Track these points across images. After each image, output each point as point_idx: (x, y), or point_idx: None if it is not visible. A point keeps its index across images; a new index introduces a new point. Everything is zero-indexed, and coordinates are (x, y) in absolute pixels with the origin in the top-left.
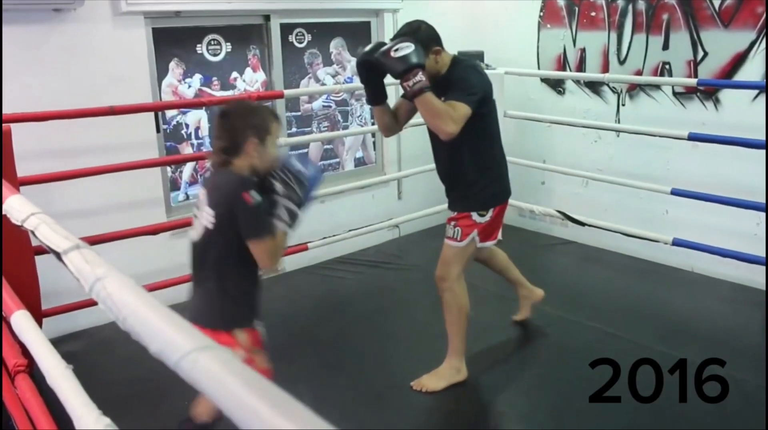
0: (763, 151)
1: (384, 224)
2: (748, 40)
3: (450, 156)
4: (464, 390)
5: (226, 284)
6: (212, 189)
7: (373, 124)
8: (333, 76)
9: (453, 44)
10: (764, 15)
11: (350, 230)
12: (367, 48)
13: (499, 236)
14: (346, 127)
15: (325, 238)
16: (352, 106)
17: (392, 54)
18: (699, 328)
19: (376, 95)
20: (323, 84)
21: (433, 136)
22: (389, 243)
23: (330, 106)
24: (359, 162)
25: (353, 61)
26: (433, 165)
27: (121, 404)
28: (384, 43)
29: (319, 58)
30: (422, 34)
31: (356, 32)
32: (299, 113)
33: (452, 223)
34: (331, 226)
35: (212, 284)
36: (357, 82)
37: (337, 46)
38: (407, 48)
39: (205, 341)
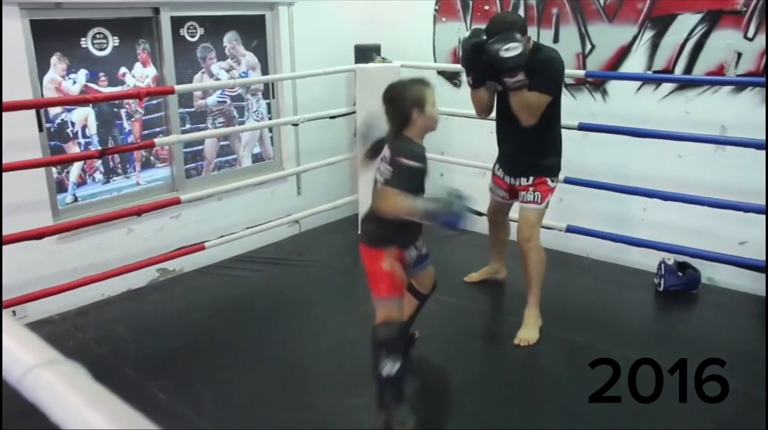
0: (644, 139)
1: (284, 221)
2: (631, 34)
3: (524, 130)
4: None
5: (385, 219)
6: (393, 151)
7: (270, 118)
8: (227, 71)
9: (349, 37)
10: (644, 10)
11: (248, 228)
12: (469, 35)
13: None
14: (242, 123)
15: (222, 236)
16: (248, 101)
17: (503, 53)
18: (595, 311)
19: (478, 79)
20: (217, 79)
21: (507, 112)
22: (289, 239)
23: (225, 102)
24: (257, 158)
25: (248, 55)
26: (332, 159)
27: None
28: (481, 31)
29: (213, 53)
30: (518, 28)
31: (251, 26)
32: (193, 109)
33: (530, 189)
34: (228, 224)
35: (379, 217)
36: (252, 77)
37: (231, 40)
38: (516, 49)
39: (49, 355)
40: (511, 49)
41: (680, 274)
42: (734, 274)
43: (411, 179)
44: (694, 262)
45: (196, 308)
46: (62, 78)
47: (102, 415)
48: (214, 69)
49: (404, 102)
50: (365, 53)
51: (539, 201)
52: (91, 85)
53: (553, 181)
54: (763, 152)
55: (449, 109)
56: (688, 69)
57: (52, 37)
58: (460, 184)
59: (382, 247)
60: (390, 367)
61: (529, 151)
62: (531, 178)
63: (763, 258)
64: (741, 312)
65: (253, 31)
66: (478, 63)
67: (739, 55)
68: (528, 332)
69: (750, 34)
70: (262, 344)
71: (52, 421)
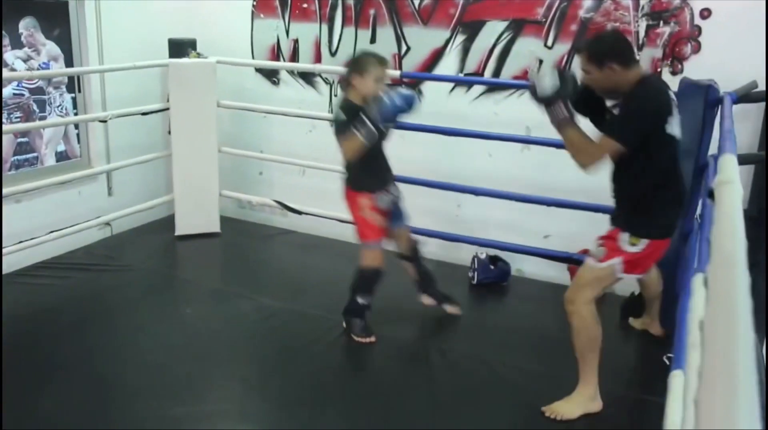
0: (458, 138)
1: (93, 223)
2: (444, 38)
3: (616, 176)
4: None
5: (349, 165)
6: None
7: (76, 114)
8: (25, 61)
9: (164, 31)
10: (456, 15)
11: (52, 231)
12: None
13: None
14: (43, 118)
15: (22, 241)
16: (50, 94)
17: (532, 80)
18: (412, 306)
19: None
20: (13, 69)
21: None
22: (100, 243)
23: (23, 94)
24: (62, 156)
25: (49, 44)
26: (145, 157)
27: None
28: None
29: (7, 39)
30: (596, 48)
31: (52, 12)
32: (1, 101)
33: (600, 241)
34: (29, 227)
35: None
36: (55, 69)
37: (27, 26)
38: (543, 78)
39: None
40: (540, 78)
41: (492, 267)
42: (540, 265)
43: (340, 129)
44: (505, 255)
45: None
46: None
47: None
48: (9, 58)
49: (349, 69)
50: (180, 48)
51: (600, 258)
52: None
53: (631, 243)
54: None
55: (267, 107)
56: (497, 73)
57: None
58: (280, 182)
59: (354, 190)
60: (362, 299)
61: (618, 200)
62: (608, 230)
63: (564, 249)
64: (547, 301)
65: (55, 19)
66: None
67: (541, 61)
68: (566, 407)
69: (549, 42)
70: (71, 358)
71: None
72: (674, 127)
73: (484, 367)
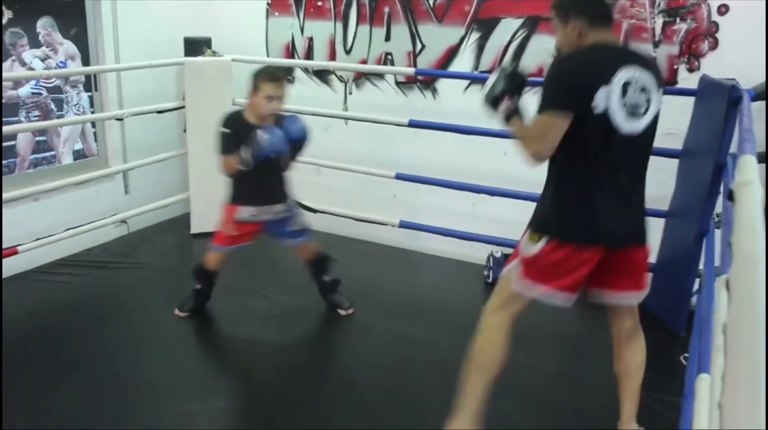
0: (473, 136)
1: (109, 221)
2: (459, 35)
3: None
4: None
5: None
6: None
7: (92, 112)
8: (42, 60)
9: (179, 29)
10: (471, 13)
11: (69, 229)
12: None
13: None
14: (61, 117)
15: (39, 238)
16: (68, 93)
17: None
18: (428, 304)
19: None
20: (31, 68)
21: None
22: (117, 241)
23: (41, 94)
24: (79, 155)
25: (66, 43)
26: (161, 155)
27: None
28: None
29: (25, 39)
30: (565, 3)
31: (69, 12)
32: (2, 101)
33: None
34: (47, 225)
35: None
36: (72, 68)
37: (45, 26)
38: (490, 79)
39: None
40: (488, 80)
41: None
42: None
43: (221, 142)
44: None
45: (10, 319)
46: None
47: None
48: (27, 57)
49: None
50: (195, 46)
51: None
52: None
53: (531, 239)
54: None
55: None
56: None
57: None
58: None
59: (226, 201)
60: (196, 284)
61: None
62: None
63: None
64: None
65: (72, 18)
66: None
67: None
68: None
69: None
70: (87, 354)
71: None
72: (611, 108)
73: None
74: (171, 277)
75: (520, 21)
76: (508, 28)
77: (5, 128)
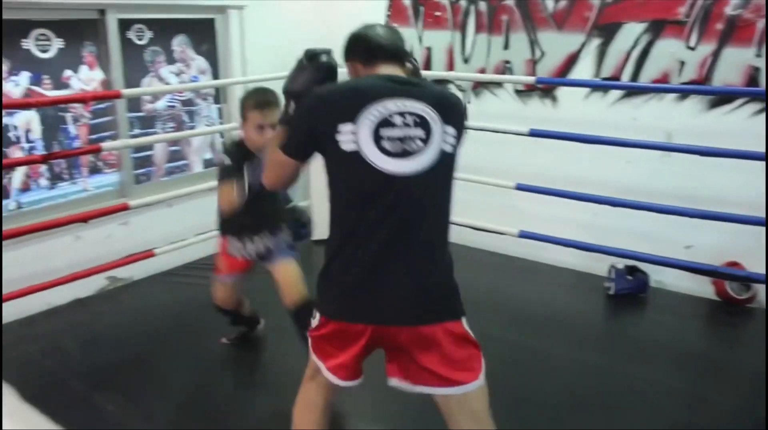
0: (594, 145)
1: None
2: (579, 42)
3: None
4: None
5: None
6: None
7: (221, 123)
8: (177, 75)
9: (301, 42)
10: (592, 18)
11: (199, 234)
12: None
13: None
14: (192, 128)
15: (173, 243)
16: (199, 105)
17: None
18: (547, 315)
19: None
20: (167, 83)
21: None
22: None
23: (175, 106)
24: (208, 163)
25: (198, 59)
26: None
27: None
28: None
29: (162, 56)
30: (345, 44)
31: (200, 29)
32: (142, 114)
33: None
34: (179, 230)
35: None
36: (202, 81)
37: (180, 43)
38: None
39: None
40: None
41: (629, 277)
42: (681, 277)
43: (222, 174)
44: (643, 266)
45: (145, 316)
46: (3, 80)
47: None
48: (164, 73)
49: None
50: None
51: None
52: (34, 88)
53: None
54: (709, 158)
55: None
56: (635, 76)
57: None
58: None
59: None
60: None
61: None
62: None
63: (709, 261)
64: (688, 314)
65: (203, 35)
66: None
67: (682, 63)
68: None
69: (692, 43)
70: (215, 352)
71: None
72: (362, 146)
73: (618, 379)
74: None
75: (643, 26)
76: (630, 33)
77: (144, 139)
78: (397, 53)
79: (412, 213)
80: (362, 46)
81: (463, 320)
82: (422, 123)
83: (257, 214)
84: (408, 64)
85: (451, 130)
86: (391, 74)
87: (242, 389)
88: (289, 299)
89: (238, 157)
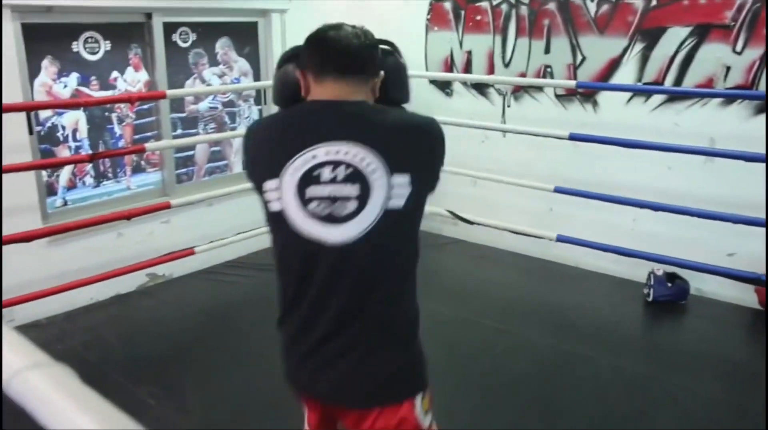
0: (634, 150)
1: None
2: (622, 46)
3: None
4: None
5: None
6: None
7: None
8: (219, 77)
9: None
10: (635, 23)
11: (239, 233)
12: None
13: None
14: (233, 129)
15: (212, 241)
16: (240, 107)
17: None
18: (584, 320)
19: None
20: (209, 85)
21: None
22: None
23: (217, 108)
24: None
25: (240, 61)
26: None
27: None
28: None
29: (205, 58)
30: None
31: (243, 32)
32: (185, 114)
33: None
34: (219, 229)
35: None
36: (244, 83)
37: (223, 46)
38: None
39: (38, 358)
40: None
41: (669, 284)
42: (723, 285)
43: None
44: (683, 273)
45: (185, 313)
46: (53, 82)
47: (90, 417)
48: (206, 75)
49: None
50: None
51: None
52: (82, 89)
53: None
54: (753, 164)
55: (440, 118)
56: (678, 81)
57: (44, 40)
58: (451, 192)
59: None
60: None
61: None
62: None
63: (752, 269)
64: (730, 323)
65: (246, 38)
66: None
67: (728, 68)
68: None
69: (738, 47)
70: (252, 350)
71: (39, 424)
72: (287, 208)
73: (658, 388)
74: None
75: (688, 30)
76: (675, 37)
77: (186, 140)
78: (352, 66)
79: (355, 287)
80: (315, 54)
81: (416, 402)
82: (356, 177)
83: None
84: (375, 79)
85: (402, 179)
86: (338, 99)
87: (280, 386)
88: None
89: None
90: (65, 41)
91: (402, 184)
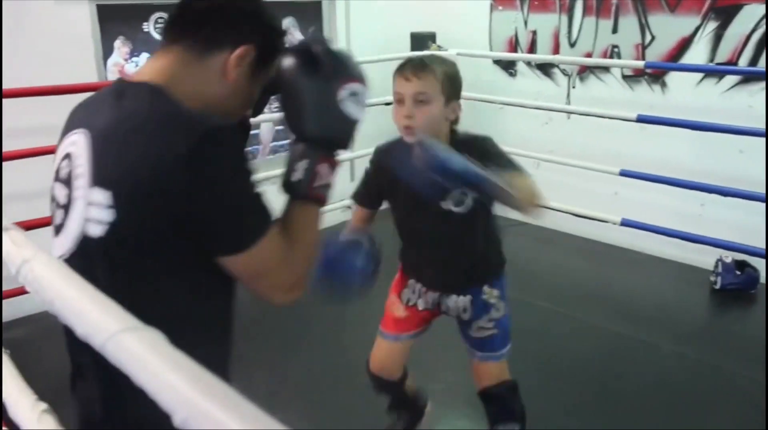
0: (704, 133)
1: (337, 206)
2: (694, 25)
3: None
4: (428, 369)
5: None
6: None
7: None
8: None
9: (405, 25)
10: (709, 0)
11: None
12: None
13: None
14: None
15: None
16: None
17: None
18: (648, 307)
19: None
20: None
21: None
22: (343, 225)
23: None
24: None
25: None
26: None
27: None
28: None
29: None
30: None
31: (308, 12)
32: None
33: None
34: (278, 207)
35: None
36: None
37: (288, 25)
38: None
39: (131, 322)
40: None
41: (738, 272)
42: None
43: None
44: (753, 261)
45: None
46: (125, 62)
47: (181, 376)
48: None
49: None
50: (421, 41)
51: None
52: None
53: None
54: None
55: (504, 99)
56: (753, 61)
57: (116, 21)
58: None
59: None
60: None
61: None
62: None
63: None
64: None
65: (311, 17)
66: None
67: None
68: None
69: None
70: (317, 327)
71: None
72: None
73: (722, 376)
74: (395, 259)
75: (765, 7)
76: (752, 15)
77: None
78: (174, 26)
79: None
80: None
81: None
82: (67, 179)
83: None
84: (223, 53)
85: (102, 197)
86: (144, 69)
87: (346, 362)
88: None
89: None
90: (136, 22)
91: (100, 203)
